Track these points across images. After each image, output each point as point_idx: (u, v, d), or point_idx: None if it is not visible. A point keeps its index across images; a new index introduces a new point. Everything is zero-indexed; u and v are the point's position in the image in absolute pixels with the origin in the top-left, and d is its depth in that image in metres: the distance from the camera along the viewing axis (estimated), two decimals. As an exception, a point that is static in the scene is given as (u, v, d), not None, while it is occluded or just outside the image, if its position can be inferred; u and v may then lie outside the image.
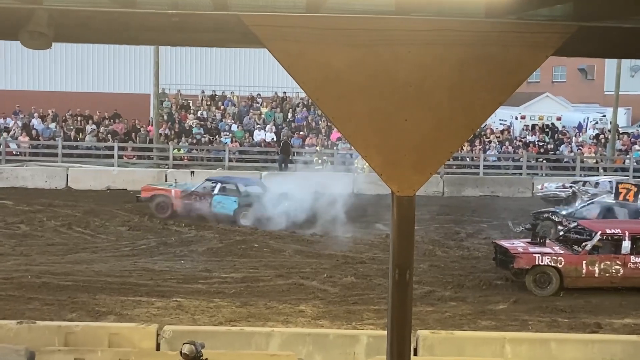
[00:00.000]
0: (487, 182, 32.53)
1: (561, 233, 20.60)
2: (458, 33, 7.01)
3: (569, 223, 21.99)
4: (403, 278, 7.49)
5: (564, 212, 23.51)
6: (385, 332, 8.25)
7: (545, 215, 23.72)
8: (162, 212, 25.05)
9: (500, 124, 40.09)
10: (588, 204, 23.64)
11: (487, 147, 36.26)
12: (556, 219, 23.14)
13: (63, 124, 36.53)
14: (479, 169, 34.60)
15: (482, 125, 34.78)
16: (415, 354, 11.56)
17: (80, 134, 35.85)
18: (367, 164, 7.94)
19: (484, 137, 37.01)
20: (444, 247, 22.32)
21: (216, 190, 25.30)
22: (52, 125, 36.18)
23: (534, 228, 23.05)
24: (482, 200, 29.25)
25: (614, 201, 22.91)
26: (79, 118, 36.81)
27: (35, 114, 36.79)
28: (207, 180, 26.16)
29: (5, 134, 35.01)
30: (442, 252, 21.75)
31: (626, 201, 22.42)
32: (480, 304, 16.81)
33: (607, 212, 22.51)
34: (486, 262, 19.98)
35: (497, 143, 36.72)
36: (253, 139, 36.19)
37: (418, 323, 14.00)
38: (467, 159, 35.51)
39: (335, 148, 34.63)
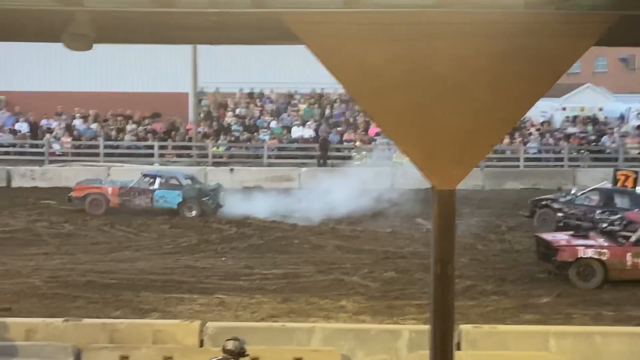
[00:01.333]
0: (528, 175, 32.25)
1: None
2: (497, 25, 6.97)
3: (568, 210, 22.86)
4: (444, 272, 7.47)
5: (562, 200, 23.79)
6: (427, 327, 8.23)
7: (544, 202, 23.97)
8: (96, 209, 24.97)
9: (541, 116, 39.68)
10: (588, 191, 23.85)
11: (528, 139, 35.93)
12: (555, 206, 23.47)
13: (104, 124, 36.89)
14: (519, 161, 34.29)
15: (523, 118, 34.51)
16: (458, 349, 11.51)
17: (121, 133, 36.18)
18: (406, 158, 7.92)
19: (525, 129, 36.68)
20: (485, 240, 22.18)
21: (156, 185, 25.26)
22: (94, 126, 36.56)
23: (532, 216, 23.85)
24: (523, 194, 28.97)
25: (613, 187, 23.50)
26: (119, 118, 37.15)
27: (77, 115, 37.20)
28: (144, 175, 25.89)
29: (48, 135, 35.45)
30: (483, 245, 21.61)
31: (625, 187, 23.01)
32: (523, 298, 16.68)
33: (608, 199, 22.91)
34: (528, 256, 19.83)
35: (538, 135, 36.36)
36: (291, 136, 36.24)
37: (460, 317, 13.87)
38: (508, 151, 35.21)
39: (373, 143, 34.56)
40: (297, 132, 36.30)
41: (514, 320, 15.03)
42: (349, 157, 33.51)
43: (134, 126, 36.39)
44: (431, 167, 7.41)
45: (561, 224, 22.61)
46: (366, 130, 35.80)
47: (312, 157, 34.19)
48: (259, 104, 39.07)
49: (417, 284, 17.36)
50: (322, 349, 11.80)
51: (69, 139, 35.38)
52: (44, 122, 36.84)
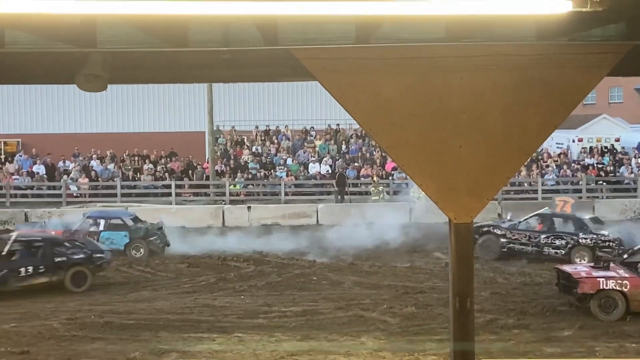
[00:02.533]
0: (547, 206, 32.04)
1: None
2: (510, 57, 6.96)
3: (512, 235, 23.86)
4: (464, 306, 7.40)
5: (504, 226, 24.42)
6: (448, 362, 8.14)
7: (485, 229, 24.35)
8: None
9: (557, 147, 39.59)
10: (531, 216, 24.67)
11: (545, 171, 35.80)
12: (498, 232, 24.16)
13: (121, 164, 37.06)
14: (537, 193, 34.13)
15: (539, 149, 34.45)
16: (479, 384, 11.37)
17: (138, 173, 36.33)
18: (423, 192, 7.89)
19: (541, 161, 36.57)
20: (504, 273, 22.01)
21: (102, 227, 24.80)
22: (111, 166, 36.74)
23: (474, 242, 23.83)
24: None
25: (553, 212, 25.12)
26: (136, 158, 37.34)
27: (94, 156, 37.42)
28: (87, 217, 25.36)
29: (65, 177, 35.64)
30: (503, 279, 21.45)
31: (564, 212, 24.84)
32: (545, 331, 16.50)
33: (551, 223, 24.13)
34: (549, 288, 19.63)
35: (555, 167, 36.24)
36: (308, 172, 36.28)
37: (481, 352, 13.77)
38: (525, 183, 35.08)
39: (390, 178, 34.53)
40: (313, 168, 36.33)
41: (536, 354, 14.86)
42: (367, 193, 33.47)
43: (150, 166, 36.54)
44: (447, 201, 7.38)
45: (505, 250, 23.81)
46: (383, 165, 35.81)
47: (329, 193, 34.17)
48: (275, 141, 39.18)
49: (437, 319, 17.21)
50: (342, 386, 11.70)
51: (86, 180, 35.54)
52: (60, 163, 37.07)
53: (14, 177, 35.73)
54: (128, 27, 6.90)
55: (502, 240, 23.92)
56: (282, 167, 36.52)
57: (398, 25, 6.82)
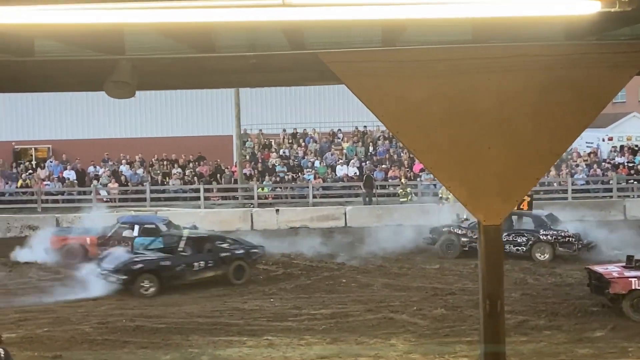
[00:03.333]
0: (577, 206, 31.78)
1: None
2: (538, 57, 6.93)
3: (473, 234, 23.97)
4: (494, 308, 7.37)
5: (465, 225, 24.92)
6: (478, 365, 8.10)
7: (446, 229, 25.01)
8: (71, 258, 24.35)
9: (587, 146, 39.27)
10: None
11: (574, 170, 35.53)
12: (459, 232, 24.82)
13: (150, 168, 37.27)
14: (567, 193, 33.88)
15: (568, 149, 34.16)
16: (511, 386, 11.33)
17: (167, 177, 36.52)
18: (451, 194, 7.86)
19: (571, 160, 36.30)
20: (535, 274, 21.89)
21: (136, 232, 24.79)
22: (140, 171, 36.95)
23: (434, 243, 25.08)
24: (572, 226, 28.55)
25: (515, 211, 24.61)
26: (165, 162, 37.54)
27: (123, 161, 37.67)
28: (122, 223, 25.34)
29: (95, 182, 35.91)
30: (534, 279, 21.33)
31: (521, 210, 24.53)
32: (577, 332, 16.37)
33: (509, 221, 24.37)
34: (580, 289, 19.49)
35: (585, 166, 35.95)
36: (336, 174, 36.26)
37: (512, 354, 13.71)
38: (555, 184, 34.83)
39: (418, 179, 34.44)
40: (341, 170, 36.30)
41: (568, 356, 14.75)
42: (395, 194, 33.40)
43: (179, 170, 36.71)
44: (476, 203, 7.35)
45: (466, 248, 24.31)
46: (411, 166, 35.71)
47: (357, 195, 34.14)
48: (302, 143, 39.22)
49: (468, 320, 17.14)
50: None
51: (116, 185, 35.77)
52: (90, 169, 37.34)
53: (45, 182, 36.04)
54: (155, 34, 6.95)
55: (463, 239, 24.58)
56: (310, 170, 36.53)
57: (424, 28, 6.81)
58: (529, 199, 24.74)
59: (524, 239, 24.20)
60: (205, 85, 9.13)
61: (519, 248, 24.11)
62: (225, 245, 22.24)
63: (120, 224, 25.40)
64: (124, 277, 20.56)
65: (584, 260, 22.88)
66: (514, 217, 24.92)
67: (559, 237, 24.07)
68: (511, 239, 24.11)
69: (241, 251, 22.22)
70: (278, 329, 16.99)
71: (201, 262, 21.45)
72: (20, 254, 24.79)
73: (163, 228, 24.93)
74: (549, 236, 24.14)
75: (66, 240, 25.14)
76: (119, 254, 21.82)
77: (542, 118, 7.15)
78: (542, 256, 23.86)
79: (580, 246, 23.85)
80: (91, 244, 24.90)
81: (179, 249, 21.54)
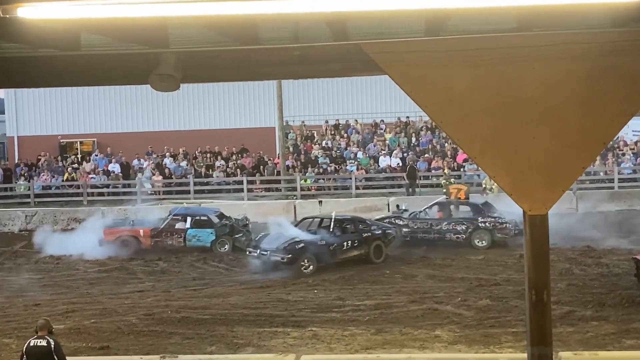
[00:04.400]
0: (624, 196, 31.42)
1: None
2: (584, 45, 6.85)
3: (414, 225, 25.41)
4: (540, 299, 7.32)
5: (406, 216, 25.80)
6: (525, 355, 8.05)
7: (387, 220, 25.59)
8: (125, 250, 24.85)
9: (634, 135, 38.70)
10: (430, 206, 26.21)
11: (621, 159, 35.06)
12: (401, 223, 25.46)
13: (193, 161, 37.53)
14: (613, 182, 33.45)
15: (614, 138, 33.73)
16: (557, 377, 11.23)
17: (210, 170, 36.74)
18: (495, 184, 7.82)
19: (617, 149, 35.82)
20: (581, 265, 21.67)
21: (188, 224, 25.23)
22: (183, 164, 37.22)
23: None
24: (619, 215, 28.26)
25: (453, 200, 26.19)
26: (208, 155, 37.77)
27: (167, 154, 37.98)
28: (174, 215, 25.78)
29: (140, 175, 36.25)
30: (580, 270, 21.12)
31: (458, 199, 25.97)
32: (624, 323, 16.18)
33: (448, 210, 25.89)
34: (627, 279, 19.27)
35: (632, 155, 35.46)
36: (378, 165, 36.19)
37: (559, 344, 13.59)
38: (601, 173, 34.41)
39: (462, 170, 34.25)
40: (384, 161, 36.22)
41: (615, 347, 14.59)
42: (438, 185, 33.25)
43: (222, 162, 36.91)
44: (521, 192, 7.30)
45: (408, 239, 25.13)
46: (454, 157, 35.52)
47: (400, 186, 34.05)
48: (344, 135, 39.19)
49: (513, 311, 17.04)
50: (417, 380, 11.67)
51: (160, 178, 36.07)
52: (135, 162, 37.71)
53: (90, 176, 36.48)
54: (199, 27, 6.99)
55: (405, 230, 25.27)
56: (353, 161, 36.50)
57: (468, 16, 6.77)
58: (465, 188, 26.31)
59: (464, 227, 24.92)
60: (248, 77, 9.16)
61: (459, 236, 24.87)
62: (365, 227, 23.45)
63: (172, 216, 25.75)
64: (289, 255, 21.73)
65: (518, 245, 23.26)
66: (452, 207, 26.07)
67: (496, 224, 24.78)
68: (451, 227, 25.06)
69: (379, 232, 23.46)
70: (322, 320, 17.03)
71: (348, 242, 22.72)
72: (70, 247, 25.07)
73: (215, 220, 25.23)
74: (487, 223, 24.84)
75: (120, 232, 25.48)
76: (275, 236, 22.96)
77: (588, 107, 7.08)
78: (480, 242, 24.64)
79: (516, 232, 24.25)
80: (144, 235, 25.34)
81: (330, 230, 22.85)
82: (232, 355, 13.92)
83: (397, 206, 27.13)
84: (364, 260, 22.67)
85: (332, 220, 23.14)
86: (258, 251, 22.31)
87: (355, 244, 22.81)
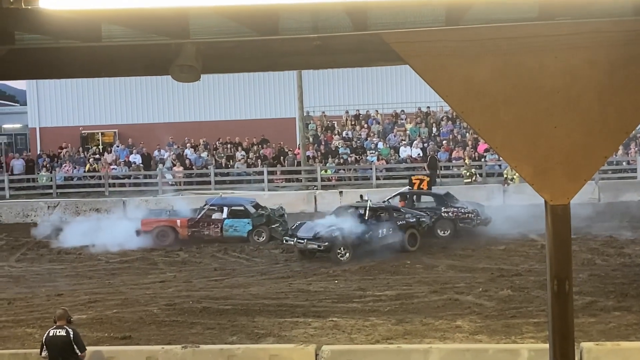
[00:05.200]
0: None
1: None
2: (606, 34, 6.80)
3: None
4: (562, 289, 7.29)
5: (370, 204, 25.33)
6: (546, 346, 8.02)
7: (350, 210, 24.77)
8: (163, 241, 24.97)
9: (657, 124, 38.36)
10: (393, 196, 26.31)
11: (644, 149, 34.80)
12: (362, 212, 24.34)
13: (214, 152, 37.63)
14: (636, 172, 33.22)
15: (637, 127, 33.43)
16: (579, 367, 11.19)
17: (231, 160, 36.82)
18: (517, 174, 7.79)
19: (640, 139, 35.59)
20: (603, 255, 21.55)
21: (225, 214, 25.28)
22: (204, 154, 37.33)
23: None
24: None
25: (416, 190, 26.35)
26: (228, 145, 37.85)
27: (188, 144, 38.09)
28: (210, 205, 25.83)
29: (161, 165, 36.40)
30: (602, 260, 21.01)
31: (421, 189, 26.13)
32: (647, 313, 16.09)
33: (411, 201, 26.01)
34: (650, 269, 19.18)
35: (655, 145, 35.19)
36: (399, 156, 36.14)
37: (581, 335, 13.54)
38: (623, 163, 34.18)
39: (483, 160, 34.14)
40: (404, 151, 36.16)
41: (638, 337, 14.50)
42: (459, 175, 33.17)
43: (243, 153, 36.98)
44: (543, 182, 7.26)
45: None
46: (475, 147, 35.40)
47: (421, 176, 33.94)
48: (365, 125, 39.14)
49: (534, 301, 16.99)
50: (438, 370, 11.66)
51: (181, 169, 36.19)
52: (156, 153, 37.86)
53: (111, 167, 36.68)
54: (219, 18, 6.99)
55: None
56: (373, 152, 36.48)
57: (489, 5, 6.73)
58: (427, 178, 26.59)
59: (427, 217, 24.71)
60: (268, 67, 9.17)
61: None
62: (399, 215, 23.58)
63: (209, 206, 25.80)
64: (325, 243, 21.91)
65: (481, 235, 24.16)
66: (415, 197, 26.20)
67: (459, 214, 25.04)
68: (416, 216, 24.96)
69: (413, 220, 23.51)
70: (343, 310, 17.05)
71: (383, 230, 22.83)
72: (104, 238, 25.17)
73: (251, 210, 25.30)
74: (450, 213, 25.08)
75: (158, 222, 25.58)
76: (311, 224, 23.18)
77: (611, 96, 7.02)
78: (443, 232, 24.89)
79: (478, 221, 24.96)
80: (181, 226, 25.38)
81: (365, 219, 22.90)
82: (253, 345, 13.96)
83: (361, 196, 27.02)
84: (398, 248, 22.69)
85: (367, 208, 23.18)
86: (295, 239, 22.40)
87: (390, 232, 22.83)
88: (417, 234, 23.34)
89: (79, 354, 10.90)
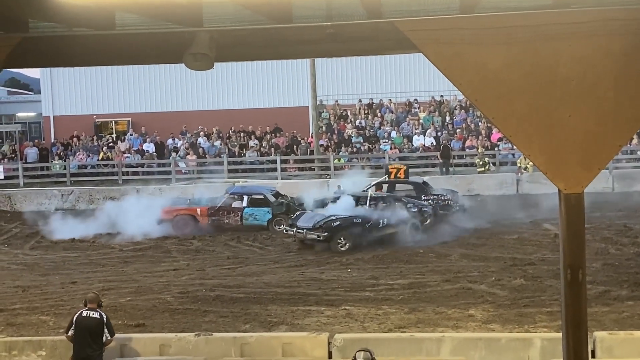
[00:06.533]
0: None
1: None
2: (622, 22, 6.76)
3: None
4: (575, 278, 7.28)
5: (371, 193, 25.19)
6: (559, 335, 8.01)
7: (328, 200, 25.04)
8: (182, 229, 25.01)
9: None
10: (372, 185, 26.04)
11: (658, 138, 34.61)
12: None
13: (227, 140, 37.66)
14: (650, 161, 33.06)
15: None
16: (593, 357, 11.17)
17: (244, 149, 36.85)
18: (530, 163, 7.78)
19: (654, 128, 35.33)
20: (617, 244, 21.48)
21: (245, 203, 25.25)
22: (217, 143, 37.37)
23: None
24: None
25: (394, 179, 26.26)
26: (242, 134, 37.87)
27: (201, 133, 38.13)
28: (231, 194, 25.83)
29: (174, 154, 36.47)
30: (616, 249, 20.94)
31: (398, 178, 26.03)
32: (661, 303, 16.04)
33: (391, 189, 25.96)
34: (664, 259, 19.10)
35: (669, 133, 34.99)
36: (412, 145, 36.08)
37: (594, 324, 13.52)
38: (638, 152, 34.01)
39: (496, 149, 34.04)
40: (417, 140, 36.10)
41: (650, 326, 14.47)
42: (472, 164, 33.10)
43: (256, 142, 37.01)
44: (557, 171, 7.24)
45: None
46: (488, 136, 35.29)
47: (434, 165, 33.92)
48: (378, 114, 39.08)
49: (548, 291, 16.96)
50: (451, 358, 11.67)
51: (194, 157, 36.25)
52: (169, 141, 37.93)
53: (125, 155, 36.77)
54: (233, 6, 6.99)
55: None
56: (386, 140, 36.43)
57: (503, -7, 6.71)
58: (404, 167, 26.64)
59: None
60: (282, 55, 9.16)
61: None
62: (401, 205, 23.43)
63: (229, 194, 25.82)
64: (325, 233, 21.93)
65: (458, 221, 24.19)
66: (397, 185, 26.26)
67: (439, 201, 25.20)
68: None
69: (415, 210, 23.45)
70: (356, 299, 17.07)
71: (384, 220, 22.60)
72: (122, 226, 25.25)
73: (271, 198, 25.32)
74: (429, 201, 25.12)
75: (178, 211, 25.60)
76: (311, 214, 23.23)
77: (626, 84, 6.99)
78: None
79: (457, 208, 25.20)
80: (202, 214, 25.45)
81: (367, 208, 22.96)
82: (266, 333, 13.99)
83: (339, 186, 26.93)
84: (399, 238, 22.53)
85: (369, 198, 23.13)
86: (295, 229, 22.36)
87: (392, 222, 22.67)
88: (419, 224, 23.15)
89: (109, 337, 11.04)
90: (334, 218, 22.39)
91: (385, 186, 26.19)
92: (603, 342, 11.61)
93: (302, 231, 22.26)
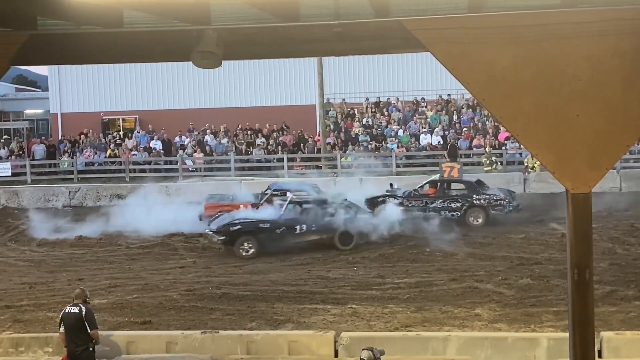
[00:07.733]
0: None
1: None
2: (630, 22, 6.75)
3: (409, 202, 24.94)
4: (583, 278, 7.27)
5: (400, 194, 25.47)
6: (566, 334, 8.01)
7: (381, 199, 25.30)
8: None
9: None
10: (425, 184, 25.88)
11: (666, 138, 34.48)
12: (396, 201, 25.10)
13: (234, 138, 37.68)
14: (658, 161, 32.95)
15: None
16: (599, 357, 11.16)
17: (251, 147, 36.87)
18: (538, 162, 7.76)
19: (662, 127, 35.25)
20: (624, 244, 21.43)
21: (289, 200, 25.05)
22: (224, 141, 37.39)
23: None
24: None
25: (447, 178, 25.78)
26: (249, 132, 37.88)
27: (208, 131, 38.16)
28: (274, 191, 25.44)
29: (181, 152, 36.50)
30: (623, 249, 20.89)
31: (452, 177, 25.59)
32: (667, 303, 16.01)
33: (442, 188, 25.46)
34: (672, 259, 19.05)
35: (677, 133, 34.84)
36: (419, 144, 36.05)
37: (601, 324, 13.50)
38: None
39: (503, 148, 34.00)
40: (425, 139, 36.07)
41: (658, 327, 14.44)
42: (479, 163, 33.05)
43: (263, 140, 37.02)
44: (564, 170, 7.23)
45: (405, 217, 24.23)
46: (496, 135, 35.24)
47: (441, 164, 33.85)
48: (385, 112, 39.06)
49: (554, 290, 16.93)
50: (458, 358, 11.67)
51: (201, 155, 36.29)
52: (177, 139, 37.97)
53: (132, 152, 36.82)
54: (241, 4, 6.99)
55: (401, 207, 24.70)
56: (393, 139, 36.40)
57: (511, -8, 6.70)
58: (459, 166, 26.12)
59: (458, 204, 24.77)
60: (289, 54, 9.15)
61: (454, 213, 24.75)
62: (330, 211, 22.38)
63: (271, 191, 25.79)
64: (222, 237, 21.53)
65: (514, 222, 23.95)
66: (445, 184, 25.68)
67: (491, 201, 24.73)
68: (445, 205, 24.89)
69: (346, 217, 22.19)
70: (362, 298, 17.07)
71: (303, 225, 21.84)
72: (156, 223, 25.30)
73: (313, 194, 25.20)
74: (482, 200, 24.76)
75: (221, 207, 25.53)
76: (226, 216, 22.64)
77: (634, 83, 6.98)
78: (475, 220, 24.58)
79: (510, 208, 24.57)
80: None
81: (281, 212, 22.11)
82: (272, 331, 14.01)
83: (391, 184, 26.81)
84: (326, 247, 21.75)
85: (287, 202, 22.37)
86: (208, 230, 22.16)
87: (313, 229, 21.92)
88: (353, 233, 21.90)
89: (89, 330, 11.09)
90: (236, 222, 21.73)
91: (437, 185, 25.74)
92: (610, 342, 11.61)
93: (210, 233, 21.94)
